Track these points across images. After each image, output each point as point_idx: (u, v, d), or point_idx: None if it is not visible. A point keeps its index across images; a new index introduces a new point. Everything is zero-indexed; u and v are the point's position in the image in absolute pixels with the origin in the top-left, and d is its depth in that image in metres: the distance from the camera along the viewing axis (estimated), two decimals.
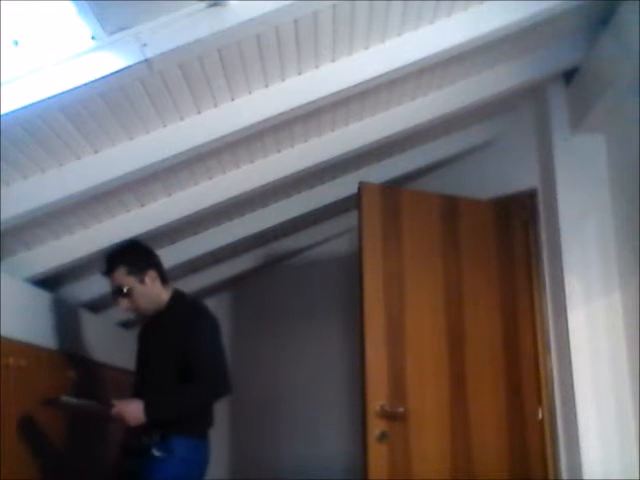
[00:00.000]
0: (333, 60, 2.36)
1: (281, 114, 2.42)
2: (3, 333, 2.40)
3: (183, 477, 2.37)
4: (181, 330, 2.42)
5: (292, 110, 2.43)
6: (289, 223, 3.79)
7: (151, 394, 2.39)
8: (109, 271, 2.53)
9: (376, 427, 2.80)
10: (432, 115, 3.02)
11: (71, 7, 1.67)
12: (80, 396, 2.61)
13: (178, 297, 2.60)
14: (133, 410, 2.32)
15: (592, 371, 2.88)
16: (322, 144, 2.96)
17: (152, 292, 2.53)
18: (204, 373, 2.37)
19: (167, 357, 2.44)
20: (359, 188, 3.06)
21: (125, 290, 2.50)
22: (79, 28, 1.76)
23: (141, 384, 2.51)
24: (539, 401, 3.09)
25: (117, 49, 1.83)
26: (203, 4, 1.82)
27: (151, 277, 2.52)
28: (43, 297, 2.90)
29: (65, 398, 2.44)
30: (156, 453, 2.34)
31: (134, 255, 2.57)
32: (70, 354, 3.07)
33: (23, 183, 2.31)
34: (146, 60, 1.84)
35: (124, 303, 2.54)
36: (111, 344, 3.64)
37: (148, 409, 2.32)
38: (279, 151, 2.94)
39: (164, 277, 2.59)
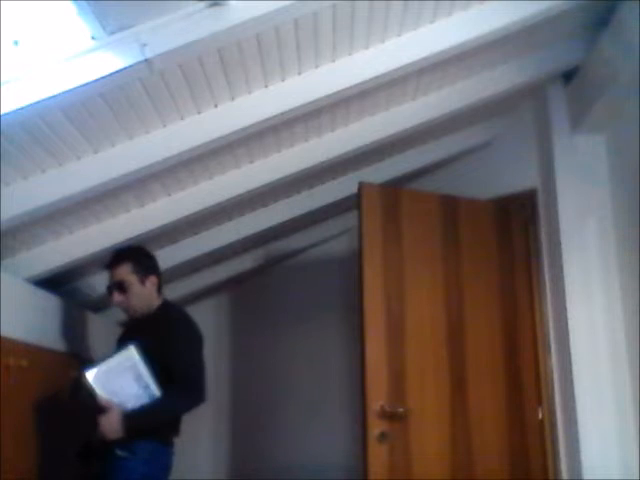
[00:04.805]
0: (333, 60, 2.36)
1: (281, 114, 2.42)
2: (3, 333, 2.40)
3: (145, 478, 2.40)
4: (165, 338, 2.49)
5: (292, 110, 2.42)
6: (289, 223, 3.78)
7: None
8: (115, 264, 2.61)
9: (376, 427, 2.80)
10: (432, 115, 3.02)
11: (71, 7, 1.67)
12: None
13: (167, 306, 2.68)
14: (110, 422, 2.34)
15: (592, 371, 2.88)
16: (322, 144, 2.96)
17: (147, 296, 2.62)
18: (181, 383, 2.43)
19: (152, 361, 2.48)
20: (359, 188, 3.06)
21: (125, 285, 2.58)
22: (79, 28, 1.76)
23: None
24: (539, 401, 3.09)
25: (117, 49, 1.83)
26: (203, 4, 1.82)
27: (152, 282, 2.64)
28: (43, 297, 2.90)
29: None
30: (119, 453, 2.36)
31: (142, 256, 2.69)
32: (70, 354, 3.06)
33: (23, 183, 2.31)
34: (146, 60, 1.84)
35: (118, 298, 2.61)
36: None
37: (126, 423, 2.34)
38: (279, 151, 2.94)
39: (160, 287, 2.69)
